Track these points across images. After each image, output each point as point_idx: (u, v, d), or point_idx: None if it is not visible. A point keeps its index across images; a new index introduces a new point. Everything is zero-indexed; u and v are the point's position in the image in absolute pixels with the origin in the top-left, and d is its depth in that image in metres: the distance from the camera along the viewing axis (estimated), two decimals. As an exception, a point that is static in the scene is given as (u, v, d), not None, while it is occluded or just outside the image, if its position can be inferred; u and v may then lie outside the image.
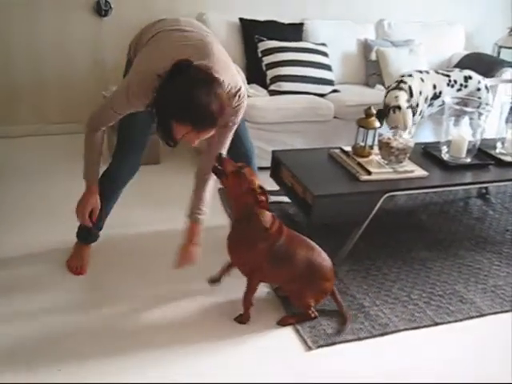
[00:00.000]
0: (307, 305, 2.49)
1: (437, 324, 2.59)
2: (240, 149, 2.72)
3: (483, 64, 4.74)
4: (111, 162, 2.66)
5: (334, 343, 2.41)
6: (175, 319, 2.49)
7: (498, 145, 3.47)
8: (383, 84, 4.54)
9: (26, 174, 3.74)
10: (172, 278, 2.72)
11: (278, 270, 2.43)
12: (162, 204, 3.44)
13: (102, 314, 2.47)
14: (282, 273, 2.44)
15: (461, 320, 2.63)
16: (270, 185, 3.32)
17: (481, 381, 2.29)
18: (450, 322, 2.61)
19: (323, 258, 2.49)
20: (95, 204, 2.49)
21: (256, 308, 2.54)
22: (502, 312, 2.71)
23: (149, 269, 2.81)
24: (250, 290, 2.47)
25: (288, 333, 2.47)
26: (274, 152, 3.22)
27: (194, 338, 2.38)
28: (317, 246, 2.50)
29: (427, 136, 4.28)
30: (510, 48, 5.34)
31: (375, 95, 4.34)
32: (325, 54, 4.35)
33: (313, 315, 2.52)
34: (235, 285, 2.55)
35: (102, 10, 4.31)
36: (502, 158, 3.37)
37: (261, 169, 3.74)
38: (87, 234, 2.76)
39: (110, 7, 4.33)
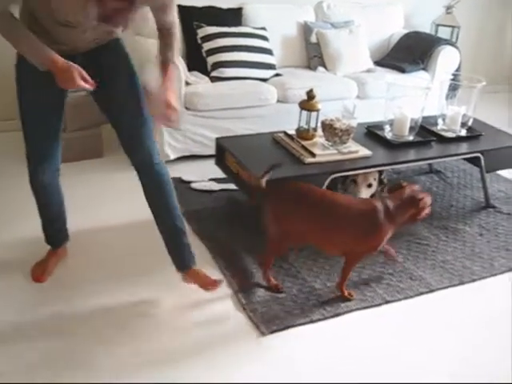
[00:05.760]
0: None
1: (387, 302, 2.61)
2: (139, 149, 2.36)
3: (421, 42, 4.81)
4: (28, 165, 2.41)
5: (287, 327, 2.40)
6: (132, 309, 2.45)
7: (439, 121, 3.51)
8: (325, 66, 4.54)
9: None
10: (124, 272, 2.69)
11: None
12: (107, 198, 3.35)
13: (55, 311, 2.40)
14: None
15: (411, 297, 2.67)
16: (216, 173, 3.30)
17: (433, 357, 2.32)
18: (400, 300, 2.64)
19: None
20: (73, 67, 1.99)
21: (208, 298, 2.53)
22: (451, 286, 2.76)
23: (97, 265, 2.75)
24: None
25: (240, 319, 2.45)
26: (217, 139, 3.17)
27: (152, 329, 2.35)
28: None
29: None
30: (446, 26, 5.43)
31: (317, 77, 4.34)
32: (265, 38, 4.31)
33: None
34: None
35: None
36: (444, 134, 3.42)
37: (206, 157, 3.73)
38: (52, 236, 2.68)
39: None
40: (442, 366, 2.28)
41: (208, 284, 2.51)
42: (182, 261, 2.51)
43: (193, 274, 2.51)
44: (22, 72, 2.23)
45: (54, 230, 2.67)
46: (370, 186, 3.02)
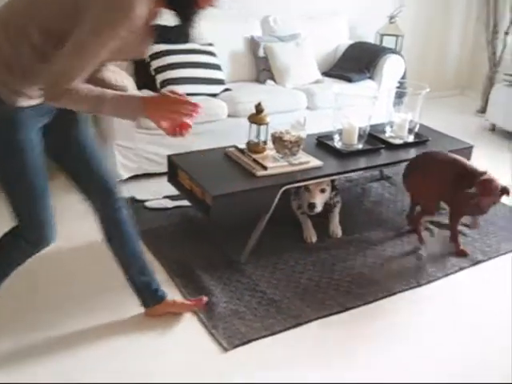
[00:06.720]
0: None
1: (347, 309, 2.64)
2: (99, 179, 2.27)
3: (366, 52, 4.91)
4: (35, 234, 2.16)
5: (249, 341, 2.40)
6: (92, 333, 2.41)
7: (387, 129, 3.58)
8: (274, 79, 4.59)
9: None
10: (80, 295, 2.65)
11: None
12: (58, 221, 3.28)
13: None
14: None
15: (370, 302, 2.70)
16: (171, 190, 3.28)
17: (392, 360, 2.36)
18: (360, 306, 2.67)
19: None
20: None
21: (168, 317, 2.52)
22: (408, 289, 2.81)
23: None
24: None
25: (202, 336, 2.44)
26: (169, 156, 3.16)
27: (115, 353, 2.32)
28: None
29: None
30: (391, 35, 5.55)
31: (267, 91, 4.37)
32: (212, 54, 4.32)
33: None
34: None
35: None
36: (392, 141, 3.49)
37: (160, 174, 3.71)
38: None
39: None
40: (415, 369, 2.31)
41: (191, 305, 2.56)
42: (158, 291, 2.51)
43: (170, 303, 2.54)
44: (22, 127, 1.91)
45: None
46: (323, 191, 3.14)
